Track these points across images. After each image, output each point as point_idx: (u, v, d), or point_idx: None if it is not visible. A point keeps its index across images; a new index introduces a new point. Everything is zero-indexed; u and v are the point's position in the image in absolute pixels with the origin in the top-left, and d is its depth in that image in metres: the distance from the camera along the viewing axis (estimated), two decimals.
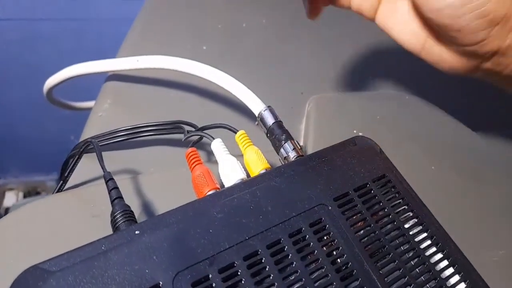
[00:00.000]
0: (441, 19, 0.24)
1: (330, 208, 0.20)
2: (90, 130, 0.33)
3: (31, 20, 0.82)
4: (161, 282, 0.16)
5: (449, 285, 0.19)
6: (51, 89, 0.42)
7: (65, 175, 0.27)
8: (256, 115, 0.26)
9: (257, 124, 0.27)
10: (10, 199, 1.14)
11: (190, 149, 0.24)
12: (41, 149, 1.03)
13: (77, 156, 0.27)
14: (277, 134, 0.25)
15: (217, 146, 0.25)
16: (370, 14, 0.29)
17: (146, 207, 0.26)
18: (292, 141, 0.24)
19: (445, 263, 0.19)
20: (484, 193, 0.29)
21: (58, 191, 0.27)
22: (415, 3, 0.25)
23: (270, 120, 0.25)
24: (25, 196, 1.14)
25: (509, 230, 0.27)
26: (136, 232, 0.18)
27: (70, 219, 0.25)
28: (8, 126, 1.00)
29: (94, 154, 0.30)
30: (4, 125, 0.99)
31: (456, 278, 0.19)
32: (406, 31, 0.28)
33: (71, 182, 0.29)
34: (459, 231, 0.22)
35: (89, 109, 0.38)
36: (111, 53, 0.42)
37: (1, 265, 0.23)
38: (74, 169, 0.28)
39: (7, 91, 0.93)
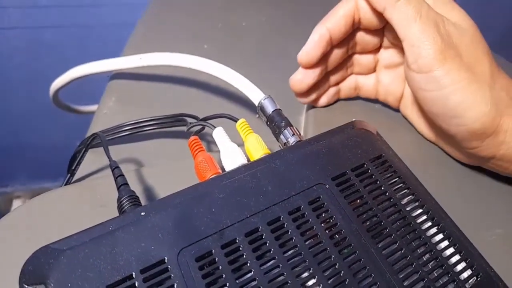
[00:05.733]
0: (438, 123, 0.27)
1: (328, 187, 0.20)
2: (95, 127, 0.34)
3: (35, 28, 0.84)
4: (166, 258, 0.17)
5: (445, 256, 0.19)
6: (57, 92, 0.43)
7: (73, 168, 0.28)
8: (256, 105, 0.27)
9: (258, 117, 0.27)
10: (17, 206, 1.15)
11: (192, 137, 0.25)
12: (47, 156, 1.04)
13: (84, 150, 0.28)
14: (277, 121, 0.26)
15: (219, 134, 0.25)
16: (394, 105, 0.33)
17: (151, 197, 0.27)
18: (292, 127, 0.25)
19: (440, 236, 0.20)
20: (480, 176, 0.29)
21: (66, 184, 0.28)
22: (419, 105, 0.28)
23: (270, 109, 0.26)
24: None
25: (506, 210, 0.27)
26: (142, 213, 0.19)
27: (78, 209, 0.26)
28: (14, 134, 1.01)
29: (99, 149, 0.31)
30: (10, 133, 1.01)
31: (451, 250, 0.19)
32: (422, 123, 0.31)
33: (78, 175, 0.29)
34: (456, 211, 0.22)
35: (94, 113, 0.39)
36: (115, 58, 0.43)
37: (13, 254, 0.24)
38: (81, 162, 0.28)
39: (13, 99, 0.94)
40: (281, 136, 0.25)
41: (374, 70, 0.33)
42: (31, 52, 0.87)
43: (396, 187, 0.21)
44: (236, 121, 0.26)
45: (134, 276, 0.16)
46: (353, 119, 0.31)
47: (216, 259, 0.17)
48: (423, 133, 0.31)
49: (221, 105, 0.36)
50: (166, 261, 0.17)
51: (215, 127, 0.26)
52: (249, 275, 0.17)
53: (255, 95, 0.27)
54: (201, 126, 0.28)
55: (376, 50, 0.32)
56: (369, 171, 0.22)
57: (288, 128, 0.25)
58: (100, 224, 0.18)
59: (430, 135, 0.31)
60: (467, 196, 0.28)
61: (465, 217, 0.23)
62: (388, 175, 0.22)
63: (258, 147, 0.24)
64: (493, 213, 0.27)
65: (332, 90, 0.33)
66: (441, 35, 0.25)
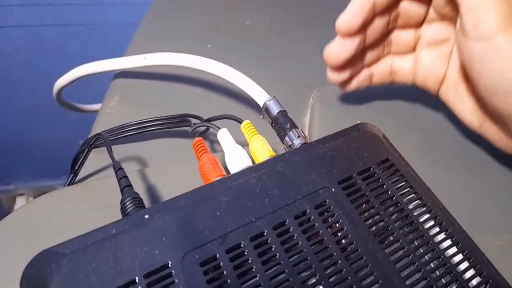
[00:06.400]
0: (494, 102, 0.24)
1: (334, 190, 0.20)
2: (98, 127, 0.34)
3: (39, 26, 0.83)
4: (170, 262, 0.17)
5: (453, 263, 0.19)
6: (60, 90, 0.42)
7: (76, 168, 0.28)
8: (261, 106, 0.27)
9: (262, 117, 0.27)
10: (20, 204, 1.15)
11: (197, 139, 0.24)
12: (50, 154, 1.04)
13: (87, 150, 0.28)
14: (282, 123, 0.25)
15: (224, 135, 0.25)
16: (433, 89, 0.30)
17: (155, 198, 0.27)
18: (297, 129, 0.25)
19: (448, 242, 0.20)
20: (488, 179, 0.29)
21: (69, 184, 0.28)
22: (472, 82, 0.25)
23: (275, 110, 0.26)
24: None
25: None
26: (146, 216, 0.18)
27: (81, 210, 0.26)
28: (17, 132, 1.01)
29: (103, 149, 0.31)
30: (13, 131, 1.01)
31: (460, 256, 0.19)
32: (466, 108, 0.28)
33: (81, 175, 0.29)
34: (464, 216, 0.22)
35: (97, 112, 0.39)
36: (118, 56, 0.43)
37: (15, 255, 0.23)
38: (84, 162, 0.28)
39: (16, 97, 0.94)
40: (286, 138, 0.25)
41: (413, 49, 0.30)
42: (34, 50, 0.87)
43: (403, 191, 0.21)
44: (240, 122, 0.26)
45: (137, 280, 0.16)
46: (358, 121, 0.31)
47: (221, 264, 0.17)
48: (467, 119, 0.28)
49: (225, 105, 0.36)
50: (170, 265, 0.17)
51: (219, 128, 0.26)
52: (254, 280, 0.17)
53: (260, 96, 0.27)
54: (205, 127, 0.27)
55: (418, 25, 0.29)
56: (376, 174, 0.21)
57: (293, 130, 0.25)
58: (103, 227, 0.18)
59: (475, 121, 0.27)
60: (475, 200, 0.27)
61: (473, 221, 0.23)
62: (395, 179, 0.21)
63: (263, 149, 0.23)
64: (500, 218, 0.26)
65: (364, 73, 0.30)
66: None
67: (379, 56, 0.31)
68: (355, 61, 0.29)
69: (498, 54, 0.22)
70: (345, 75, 0.30)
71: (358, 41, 0.28)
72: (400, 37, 0.30)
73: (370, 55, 0.30)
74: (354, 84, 0.30)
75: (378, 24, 0.28)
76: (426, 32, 0.29)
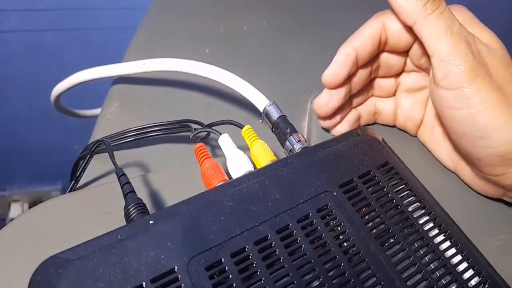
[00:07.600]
0: (463, 145, 0.26)
1: (335, 194, 0.21)
2: (98, 133, 0.34)
3: (35, 31, 0.83)
4: (176, 267, 0.17)
5: (453, 264, 0.19)
6: (58, 97, 0.43)
7: (77, 175, 0.28)
8: (261, 111, 0.27)
9: (261, 122, 0.27)
10: (15, 210, 1.14)
11: (198, 144, 0.25)
12: (46, 160, 1.04)
13: (88, 156, 0.28)
14: (282, 127, 0.26)
15: (225, 140, 0.25)
16: (412, 131, 0.32)
17: (157, 203, 0.27)
18: (297, 134, 0.25)
19: (447, 243, 0.20)
20: None
21: (70, 191, 0.28)
22: (444, 126, 0.27)
23: (275, 115, 0.26)
24: (30, 207, 1.14)
25: (511, 216, 0.27)
26: (150, 221, 0.19)
27: (83, 216, 0.26)
28: (13, 137, 1.01)
29: (103, 155, 0.31)
30: (9, 136, 1.00)
31: (459, 257, 0.20)
32: (442, 150, 0.30)
33: (82, 182, 0.29)
34: (462, 217, 0.22)
35: (95, 117, 0.39)
36: (115, 62, 0.43)
37: (18, 263, 0.24)
38: (85, 169, 0.28)
39: (12, 102, 0.94)
40: (287, 143, 0.25)
41: (393, 94, 0.33)
42: (31, 55, 0.86)
43: (403, 194, 0.22)
44: (241, 128, 0.26)
45: (144, 285, 0.16)
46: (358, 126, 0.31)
47: (226, 268, 0.17)
48: (442, 160, 0.30)
49: (225, 110, 0.36)
50: (176, 270, 0.17)
51: (220, 134, 0.26)
52: (259, 283, 0.17)
53: (260, 101, 0.27)
54: (206, 133, 0.28)
55: (398, 74, 0.32)
56: (376, 178, 0.22)
57: (294, 134, 0.25)
58: (108, 233, 0.18)
59: (450, 163, 0.30)
60: (472, 201, 0.28)
61: (470, 222, 0.23)
62: (395, 182, 0.22)
63: (264, 154, 0.24)
64: (498, 219, 0.27)
65: (352, 117, 0.32)
66: (472, 52, 0.24)
67: (364, 99, 0.33)
68: (343, 106, 0.31)
69: (466, 102, 0.24)
70: (335, 120, 0.31)
71: (344, 91, 0.29)
72: (382, 83, 0.32)
73: (356, 99, 0.32)
74: (345, 126, 0.32)
75: (362, 74, 0.30)
76: (405, 80, 0.32)
